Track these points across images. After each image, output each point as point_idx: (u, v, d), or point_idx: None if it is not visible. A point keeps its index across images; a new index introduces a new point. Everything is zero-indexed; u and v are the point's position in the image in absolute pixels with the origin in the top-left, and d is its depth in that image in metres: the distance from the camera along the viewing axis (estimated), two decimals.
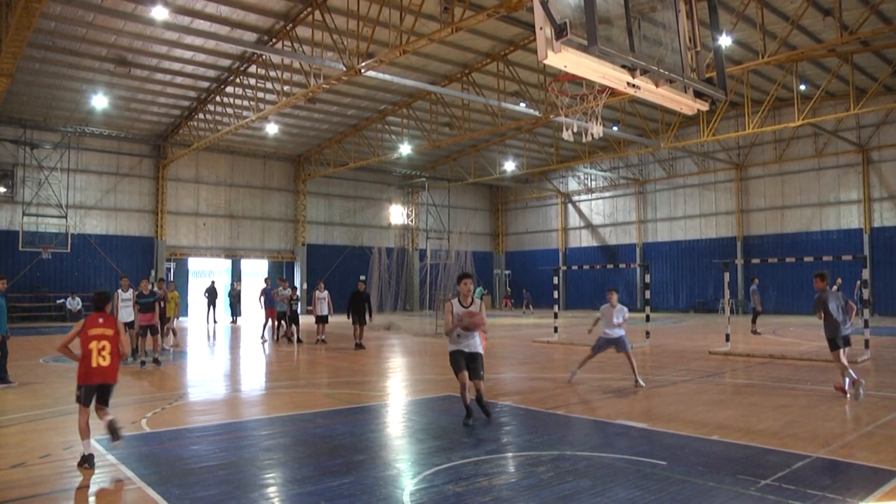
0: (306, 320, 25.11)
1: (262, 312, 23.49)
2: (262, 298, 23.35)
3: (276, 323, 22.54)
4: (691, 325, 29.45)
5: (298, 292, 24.47)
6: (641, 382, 12.14)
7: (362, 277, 22.40)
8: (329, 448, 7.70)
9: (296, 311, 22.10)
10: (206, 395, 12.01)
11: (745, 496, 5.88)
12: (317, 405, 10.61)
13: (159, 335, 16.77)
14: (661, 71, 5.40)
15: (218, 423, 9.45)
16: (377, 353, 18.64)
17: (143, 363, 15.31)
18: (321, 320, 21.35)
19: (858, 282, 26.85)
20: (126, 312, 16.06)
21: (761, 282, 25.07)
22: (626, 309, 12.74)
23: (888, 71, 27.18)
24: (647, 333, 20.41)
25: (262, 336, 22.81)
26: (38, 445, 7.81)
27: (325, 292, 21.61)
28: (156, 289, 17.13)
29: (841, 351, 11.00)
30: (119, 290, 16.26)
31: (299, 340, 21.50)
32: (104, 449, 7.55)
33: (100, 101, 29.34)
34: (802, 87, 29.64)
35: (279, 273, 39.39)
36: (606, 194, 46.02)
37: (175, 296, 20.01)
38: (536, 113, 28.01)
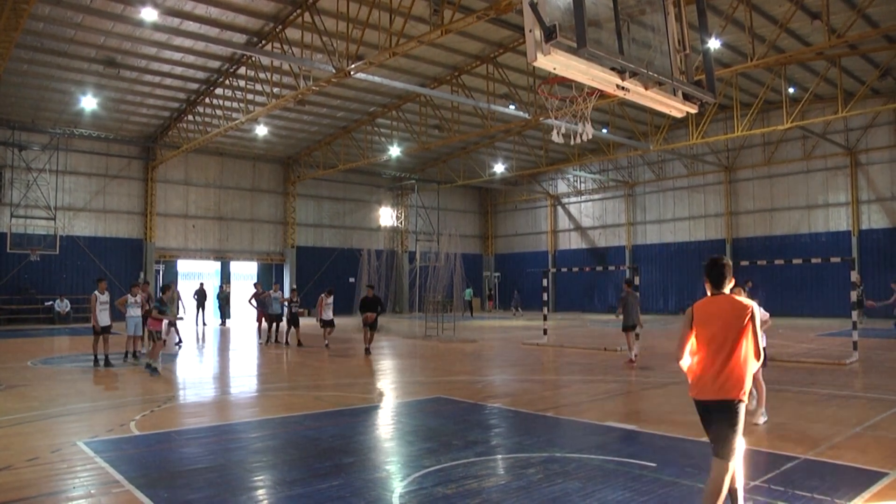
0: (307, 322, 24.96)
1: (255, 315, 23.33)
2: (254, 301, 23.08)
3: (270, 326, 22.38)
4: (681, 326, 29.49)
5: (287, 294, 24.21)
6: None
7: (366, 282, 21.98)
8: (318, 450, 7.69)
9: (296, 313, 21.82)
10: (195, 397, 11.97)
11: None
12: (306, 407, 10.59)
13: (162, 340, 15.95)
14: (650, 73, 5.42)
15: (207, 425, 9.43)
16: (364, 356, 18.61)
17: (154, 369, 14.53)
18: (328, 325, 20.93)
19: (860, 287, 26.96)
20: (104, 316, 15.75)
21: (752, 283, 25.12)
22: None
23: (876, 74, 27.36)
24: (637, 336, 20.43)
25: (263, 340, 22.50)
26: (25, 449, 7.76)
27: (331, 297, 21.46)
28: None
29: (633, 334, 16.28)
30: (96, 293, 15.98)
31: (300, 344, 21.19)
32: (93, 452, 7.51)
33: (89, 103, 29.18)
34: (791, 90, 29.77)
35: (268, 275, 39.36)
36: (596, 196, 46.11)
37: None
38: (526, 115, 28.05)
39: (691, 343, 5.33)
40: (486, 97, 27.89)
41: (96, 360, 15.64)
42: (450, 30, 19.16)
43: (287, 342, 21.50)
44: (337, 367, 15.97)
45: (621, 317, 16.60)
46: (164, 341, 15.13)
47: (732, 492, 5.31)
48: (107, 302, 15.91)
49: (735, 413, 5.09)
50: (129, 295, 16.37)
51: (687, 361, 5.36)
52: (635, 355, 16.20)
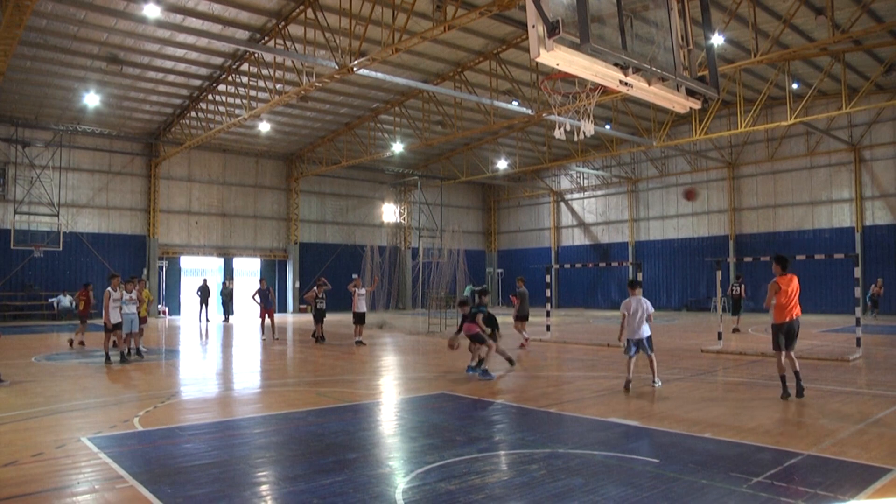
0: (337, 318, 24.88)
1: (258, 312, 23.17)
2: (258, 297, 22.93)
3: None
4: (684, 323, 29.53)
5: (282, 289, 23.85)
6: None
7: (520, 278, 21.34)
8: (321, 446, 7.70)
9: (321, 308, 21.27)
10: (198, 393, 11.98)
11: (736, 493, 5.91)
12: (309, 403, 10.60)
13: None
14: (654, 69, 5.41)
15: (210, 421, 9.44)
16: (370, 351, 18.63)
17: (487, 372, 13.11)
18: (360, 319, 20.50)
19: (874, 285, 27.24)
20: (116, 313, 15.74)
21: (756, 280, 25.08)
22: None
23: (880, 70, 27.27)
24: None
25: (268, 336, 22.41)
26: (30, 444, 7.78)
27: (364, 289, 21.13)
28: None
29: (525, 322, 19.34)
30: (109, 289, 15.96)
31: (322, 338, 21.02)
32: (97, 448, 7.53)
33: (92, 99, 29.23)
34: (794, 86, 29.72)
35: (271, 272, 39.48)
36: (599, 193, 46.06)
37: (147, 294, 18.57)
38: (529, 111, 28.03)
39: (777, 296, 10.82)
40: (489, 93, 27.89)
41: (108, 358, 15.65)
42: (453, 26, 19.15)
43: (322, 338, 21.13)
44: (340, 364, 15.98)
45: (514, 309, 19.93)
46: (495, 345, 13.51)
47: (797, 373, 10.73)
48: (119, 299, 15.90)
49: (799, 325, 10.92)
50: (123, 291, 16.25)
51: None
52: (526, 339, 19.17)
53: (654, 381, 11.95)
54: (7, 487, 6.18)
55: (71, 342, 19.64)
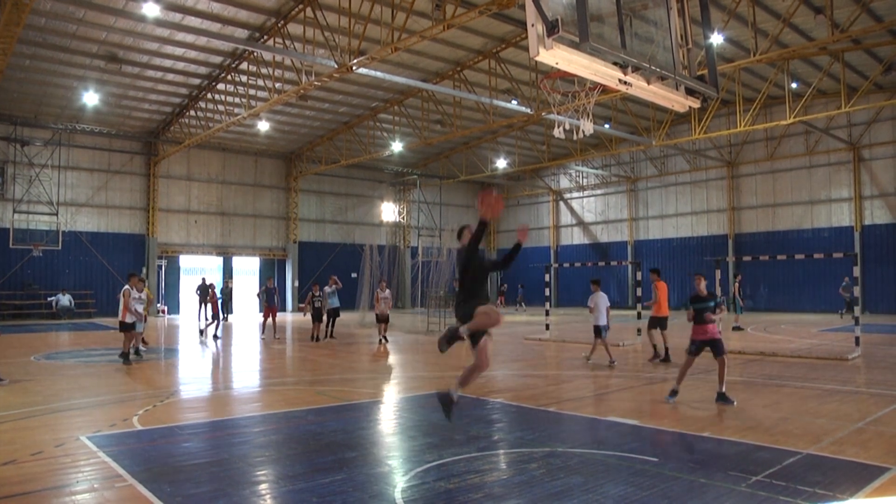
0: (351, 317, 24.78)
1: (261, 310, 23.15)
2: (263, 295, 22.92)
3: (328, 322, 22.01)
4: (683, 322, 29.49)
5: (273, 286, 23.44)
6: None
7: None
8: (321, 445, 7.70)
9: (318, 308, 21.24)
10: (197, 392, 11.98)
11: (735, 492, 5.91)
12: (308, 402, 10.60)
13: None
14: (653, 68, 5.41)
15: (209, 420, 9.44)
16: (369, 350, 18.63)
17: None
18: (384, 320, 20.72)
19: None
20: (131, 313, 15.61)
21: (755, 278, 25.09)
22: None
23: (879, 69, 27.28)
24: (639, 331, 20.42)
25: (268, 335, 22.41)
26: (29, 443, 7.78)
27: (388, 291, 21.34)
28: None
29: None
30: (128, 287, 15.73)
31: (316, 339, 21.08)
32: (96, 446, 7.53)
33: (91, 98, 29.22)
34: (794, 85, 29.72)
35: (270, 270, 39.42)
36: (598, 192, 46.07)
37: (147, 293, 17.80)
38: (528, 110, 28.02)
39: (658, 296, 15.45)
40: (489, 92, 27.88)
41: (127, 357, 15.54)
42: (452, 25, 19.15)
43: (316, 338, 21.16)
44: (339, 362, 15.98)
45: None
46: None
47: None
48: (136, 298, 15.75)
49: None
50: (132, 289, 16.08)
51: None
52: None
53: (610, 362, 15.01)
54: (6, 486, 6.17)
55: (209, 334, 22.70)
